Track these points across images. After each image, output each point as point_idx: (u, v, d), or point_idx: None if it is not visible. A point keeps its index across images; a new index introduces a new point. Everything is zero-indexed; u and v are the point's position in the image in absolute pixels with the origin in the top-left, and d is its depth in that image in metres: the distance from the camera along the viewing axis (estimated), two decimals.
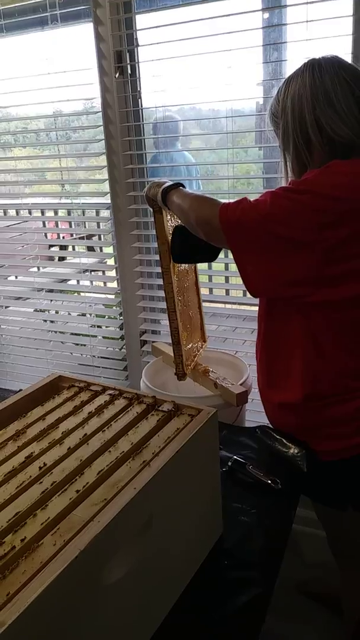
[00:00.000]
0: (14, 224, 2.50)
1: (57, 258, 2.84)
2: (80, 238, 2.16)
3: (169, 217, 1.33)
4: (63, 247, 2.86)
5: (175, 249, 1.30)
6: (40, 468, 0.77)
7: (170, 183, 1.23)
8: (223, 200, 1.08)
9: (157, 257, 1.92)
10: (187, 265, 1.45)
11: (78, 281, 2.57)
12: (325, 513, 1.31)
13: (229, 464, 1.14)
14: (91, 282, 2.37)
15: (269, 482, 1.09)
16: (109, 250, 2.16)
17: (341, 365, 1.10)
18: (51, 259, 2.77)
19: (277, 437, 1.22)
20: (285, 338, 1.14)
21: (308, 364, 1.11)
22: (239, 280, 1.09)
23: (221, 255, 1.86)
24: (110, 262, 2.11)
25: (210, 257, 1.30)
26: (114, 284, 2.10)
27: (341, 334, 1.09)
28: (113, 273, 2.07)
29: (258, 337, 1.24)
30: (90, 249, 2.41)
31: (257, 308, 1.25)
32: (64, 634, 0.60)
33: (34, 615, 0.54)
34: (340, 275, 1.01)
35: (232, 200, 1.06)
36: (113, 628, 0.68)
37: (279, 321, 1.15)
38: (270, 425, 1.29)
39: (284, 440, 1.20)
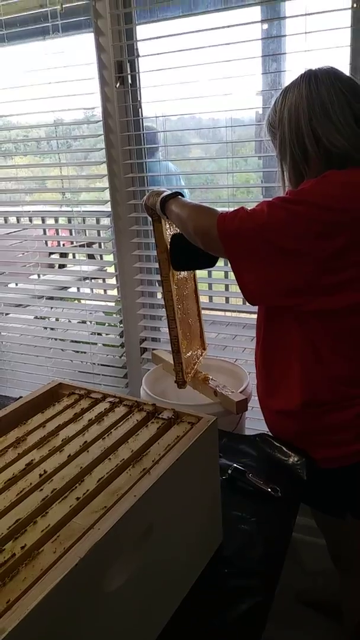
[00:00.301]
0: (15, 232, 2.52)
1: (57, 266, 2.85)
2: (80, 246, 2.17)
3: (168, 226, 1.34)
4: (63, 255, 2.87)
5: (174, 257, 1.31)
6: (40, 475, 0.77)
7: (169, 192, 1.24)
8: (221, 209, 1.09)
9: (157, 265, 1.94)
10: (186, 273, 1.46)
11: (78, 289, 2.58)
12: (324, 520, 1.31)
13: (229, 472, 1.14)
14: (91, 289, 2.38)
15: (269, 490, 1.09)
16: (109, 258, 2.17)
17: (339, 372, 1.11)
18: (51, 266, 2.78)
19: (277, 445, 1.22)
20: (283, 345, 1.15)
21: (306, 371, 1.12)
22: (239, 288, 1.09)
23: (220, 263, 1.87)
24: (111, 269, 2.12)
25: (210, 263, 1.31)
26: (114, 292, 2.11)
27: (339, 341, 1.09)
28: (113, 281, 2.08)
29: (257, 345, 1.25)
30: (91, 256, 2.42)
31: (256, 316, 1.26)
32: None
33: (34, 623, 0.54)
34: (337, 284, 1.02)
35: (229, 210, 1.07)
36: (113, 636, 0.68)
37: (277, 329, 1.16)
38: (270, 433, 1.29)
39: (284, 449, 1.20)
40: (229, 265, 1.08)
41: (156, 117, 1.77)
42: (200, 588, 0.88)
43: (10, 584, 0.58)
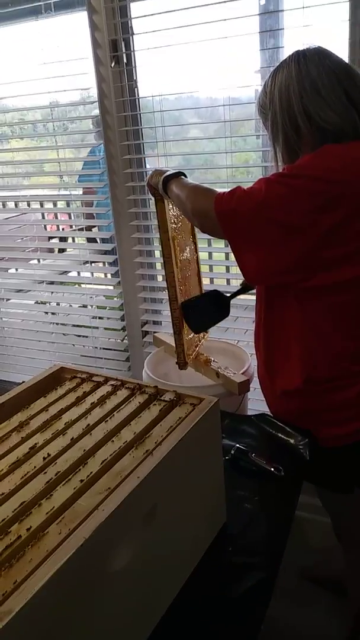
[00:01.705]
0: (13, 217, 2.50)
1: (57, 250, 2.84)
2: (79, 230, 2.16)
3: (171, 207, 1.33)
4: (63, 239, 2.85)
5: (191, 322, 1.36)
6: (44, 458, 0.78)
7: (172, 172, 1.23)
8: (220, 191, 1.08)
9: (157, 247, 1.94)
10: (189, 254, 1.45)
11: (79, 273, 2.57)
12: (329, 498, 1.32)
13: (232, 452, 1.15)
14: (92, 273, 2.37)
15: (272, 469, 1.10)
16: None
17: (340, 348, 1.11)
18: (51, 251, 2.77)
19: (280, 425, 1.23)
20: (283, 324, 1.15)
21: (307, 348, 1.12)
22: (239, 269, 1.09)
23: (221, 244, 1.86)
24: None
25: (225, 312, 1.40)
26: (115, 275, 2.10)
27: (339, 317, 1.09)
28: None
29: (257, 326, 1.25)
30: (90, 240, 2.41)
31: (255, 297, 1.25)
32: (71, 621, 0.61)
33: (40, 603, 0.55)
34: (338, 257, 1.01)
35: (226, 190, 1.05)
36: (119, 614, 0.69)
37: (278, 307, 1.15)
38: (271, 414, 1.30)
39: (287, 428, 1.21)
40: (229, 246, 1.07)
41: (152, 96, 1.75)
42: (204, 566, 0.89)
43: (16, 565, 0.59)
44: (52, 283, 2.35)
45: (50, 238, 2.49)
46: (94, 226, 2.34)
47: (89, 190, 2.28)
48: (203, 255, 1.98)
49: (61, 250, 2.79)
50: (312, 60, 1.03)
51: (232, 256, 1.84)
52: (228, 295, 1.42)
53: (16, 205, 2.35)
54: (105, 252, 2.13)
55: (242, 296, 1.45)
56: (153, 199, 1.32)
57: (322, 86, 1.01)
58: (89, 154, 2.34)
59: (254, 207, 1.00)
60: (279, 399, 1.22)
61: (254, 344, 1.28)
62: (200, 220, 1.11)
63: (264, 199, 0.99)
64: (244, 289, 1.43)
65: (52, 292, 2.31)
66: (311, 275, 1.04)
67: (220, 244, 1.94)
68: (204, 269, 1.97)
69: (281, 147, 1.10)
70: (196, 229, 1.47)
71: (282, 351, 1.17)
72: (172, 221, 1.33)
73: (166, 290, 1.37)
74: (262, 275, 1.08)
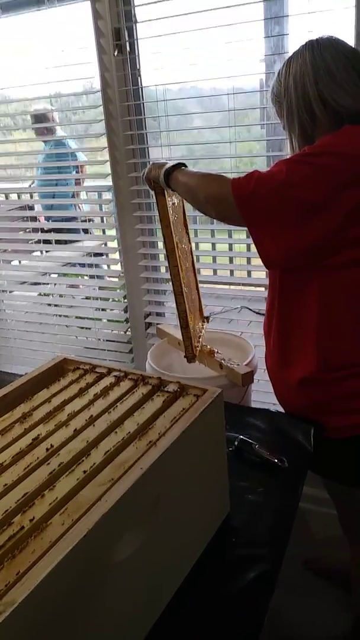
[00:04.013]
0: (16, 208, 2.49)
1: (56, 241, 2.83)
2: (82, 221, 2.15)
3: (175, 200, 1.32)
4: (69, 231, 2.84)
5: None
6: (47, 450, 0.77)
7: (173, 163, 1.22)
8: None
9: (160, 239, 1.92)
10: (187, 245, 1.44)
11: (82, 265, 2.57)
12: (336, 490, 1.32)
13: (236, 443, 1.15)
14: (95, 265, 2.36)
15: (276, 461, 1.10)
16: (112, 232, 2.15)
17: (356, 335, 1.10)
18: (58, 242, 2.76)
19: (284, 416, 1.22)
20: (299, 311, 1.14)
21: (322, 335, 1.11)
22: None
23: (224, 235, 1.85)
24: (113, 244, 2.10)
25: None
26: (118, 267, 2.09)
27: (357, 302, 1.08)
28: (116, 256, 2.06)
29: (269, 315, 1.23)
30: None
31: (261, 289, 1.24)
32: (74, 612, 0.61)
33: (43, 594, 0.54)
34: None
35: (241, 175, 1.04)
36: (122, 606, 0.69)
37: (294, 294, 1.14)
38: (275, 409, 1.29)
39: (291, 420, 1.20)
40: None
41: (156, 85, 1.73)
42: (208, 557, 0.89)
43: (19, 556, 0.59)
44: (55, 275, 2.34)
45: (52, 230, 2.48)
46: (97, 217, 2.33)
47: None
48: (205, 247, 1.98)
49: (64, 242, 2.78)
50: (326, 47, 1.05)
51: (235, 247, 1.83)
52: None
53: (19, 197, 2.35)
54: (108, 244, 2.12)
55: (245, 287, 1.44)
56: (153, 192, 1.30)
57: (337, 71, 1.03)
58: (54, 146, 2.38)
59: (276, 187, 0.99)
60: (291, 389, 1.21)
61: (264, 333, 1.27)
62: (215, 207, 1.09)
63: (287, 178, 0.98)
64: None
65: (55, 284, 2.31)
66: (334, 254, 1.03)
67: (222, 234, 1.93)
68: (208, 259, 1.97)
69: (297, 135, 1.11)
70: (188, 220, 1.46)
71: (297, 341, 1.16)
72: (171, 213, 1.32)
73: (170, 283, 1.36)
74: (285, 257, 1.06)
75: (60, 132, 2.44)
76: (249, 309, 1.73)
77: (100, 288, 2.19)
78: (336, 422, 1.16)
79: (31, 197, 2.34)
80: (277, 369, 1.24)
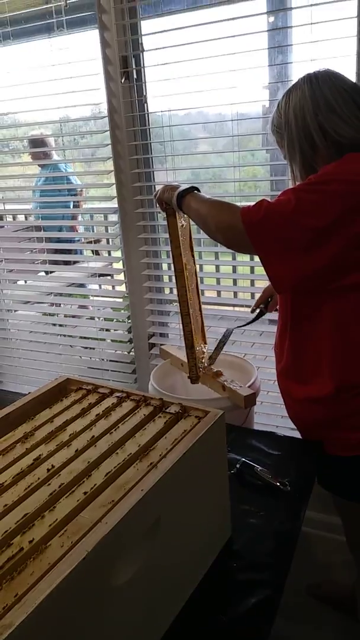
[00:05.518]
0: (23, 229, 2.53)
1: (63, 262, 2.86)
2: (88, 242, 2.18)
3: (181, 220, 1.34)
4: (71, 252, 2.87)
5: None
6: (48, 470, 0.78)
7: (185, 187, 1.24)
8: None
9: (165, 260, 1.94)
10: (192, 267, 1.46)
11: (87, 285, 2.59)
12: (346, 507, 1.31)
13: (237, 466, 1.14)
14: (99, 285, 2.38)
15: (278, 484, 1.09)
16: (117, 254, 2.17)
17: None
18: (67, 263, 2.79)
19: (286, 440, 1.22)
20: (313, 331, 1.15)
21: (337, 354, 1.13)
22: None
23: (228, 257, 1.86)
24: (118, 265, 2.12)
25: None
26: (122, 288, 2.11)
27: None
28: (121, 276, 2.08)
29: (281, 335, 1.24)
30: (98, 253, 2.43)
31: (279, 307, 1.25)
32: (72, 635, 0.60)
33: (42, 616, 0.54)
34: None
35: (250, 204, 1.06)
36: (121, 629, 0.69)
37: (306, 314, 1.16)
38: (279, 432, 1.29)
39: (294, 443, 1.20)
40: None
41: (162, 112, 1.76)
42: (209, 582, 0.88)
43: (18, 578, 0.59)
44: (60, 295, 2.36)
45: (58, 251, 2.51)
46: (102, 239, 2.36)
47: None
48: (209, 268, 1.99)
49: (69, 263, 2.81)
50: (324, 81, 1.08)
51: (239, 269, 1.84)
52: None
53: (26, 218, 2.38)
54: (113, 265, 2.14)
55: (249, 309, 1.45)
56: (164, 214, 1.32)
57: (336, 103, 1.05)
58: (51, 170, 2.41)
59: (286, 214, 1.01)
60: (304, 406, 1.22)
61: (275, 352, 1.28)
62: (225, 235, 1.12)
63: (296, 206, 1.00)
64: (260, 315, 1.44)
65: (60, 304, 2.32)
66: (343, 275, 1.05)
67: (226, 257, 1.94)
68: (212, 281, 1.98)
69: (298, 164, 1.13)
70: (194, 242, 1.48)
71: (311, 360, 1.17)
72: (181, 235, 1.34)
73: (175, 304, 1.37)
74: (295, 282, 1.08)
75: (56, 156, 2.49)
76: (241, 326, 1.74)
77: (105, 308, 2.20)
78: (347, 437, 1.16)
79: (37, 218, 2.38)
80: (291, 384, 1.24)
